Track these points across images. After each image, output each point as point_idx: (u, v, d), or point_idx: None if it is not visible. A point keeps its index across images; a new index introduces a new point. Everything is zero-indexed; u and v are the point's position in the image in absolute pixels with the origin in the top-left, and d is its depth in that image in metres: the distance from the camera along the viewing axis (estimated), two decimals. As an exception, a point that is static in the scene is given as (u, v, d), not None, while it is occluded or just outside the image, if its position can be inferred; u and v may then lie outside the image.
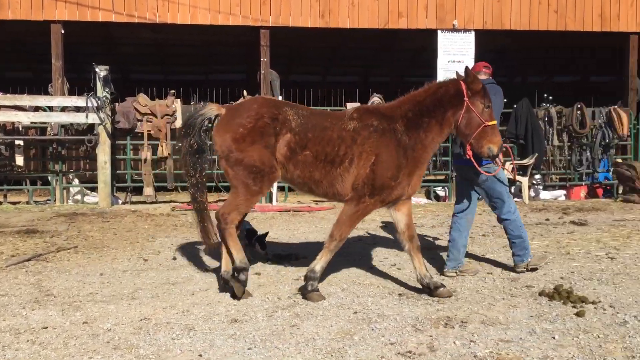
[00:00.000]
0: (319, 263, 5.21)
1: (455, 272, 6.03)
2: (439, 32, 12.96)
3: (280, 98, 12.45)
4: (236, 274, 5.09)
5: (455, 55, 13.04)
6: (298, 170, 5.15)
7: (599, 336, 4.16)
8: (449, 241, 6.19)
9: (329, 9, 12.66)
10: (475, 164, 5.44)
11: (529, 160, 12.52)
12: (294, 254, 6.87)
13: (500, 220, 6.14)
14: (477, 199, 6.31)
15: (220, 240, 5.34)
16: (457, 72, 5.47)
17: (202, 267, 6.39)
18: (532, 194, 13.00)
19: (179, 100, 12.24)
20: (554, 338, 4.14)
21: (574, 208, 11.12)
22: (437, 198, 13.24)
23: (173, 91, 12.24)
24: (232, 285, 5.11)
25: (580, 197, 13.03)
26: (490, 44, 14.88)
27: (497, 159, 5.50)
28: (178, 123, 11.94)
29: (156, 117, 11.88)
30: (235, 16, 12.47)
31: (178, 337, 4.22)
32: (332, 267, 6.33)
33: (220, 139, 5.13)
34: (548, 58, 20.22)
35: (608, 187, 13.43)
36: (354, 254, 7.08)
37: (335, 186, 5.18)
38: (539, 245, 7.38)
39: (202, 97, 13.62)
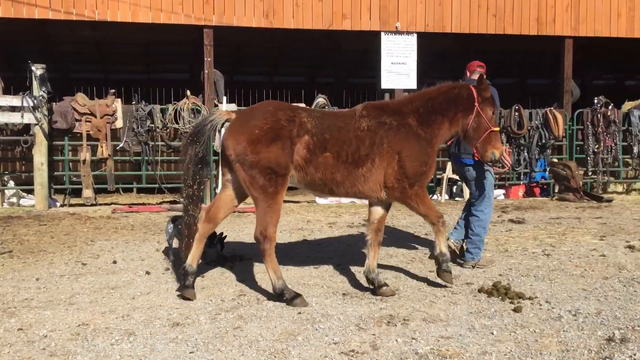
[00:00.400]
0: (442, 246, 5.42)
1: (457, 245, 6.47)
2: (382, 34, 13.11)
3: (224, 98, 12.34)
4: (282, 297, 5.01)
5: (398, 57, 13.22)
6: (319, 173, 5.13)
7: (535, 331, 4.29)
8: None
9: (273, 9, 12.61)
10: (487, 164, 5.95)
11: (470, 161, 12.82)
12: (238, 255, 6.81)
13: (471, 213, 6.47)
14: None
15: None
16: (464, 79, 6.21)
17: (144, 270, 6.26)
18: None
19: (119, 99, 11.97)
20: (492, 333, 4.24)
21: (512, 207, 11.45)
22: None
23: (113, 90, 11.97)
24: (292, 305, 4.93)
25: (519, 196, 13.43)
26: (433, 46, 15.15)
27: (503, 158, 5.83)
28: (119, 123, 11.69)
29: (95, 117, 11.58)
30: (177, 15, 12.27)
31: (117, 343, 4.12)
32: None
33: (234, 142, 5.00)
34: (488, 60, 20.73)
35: (545, 186, 13.88)
36: (299, 254, 7.08)
37: (357, 186, 5.25)
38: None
39: (144, 97, 13.37)
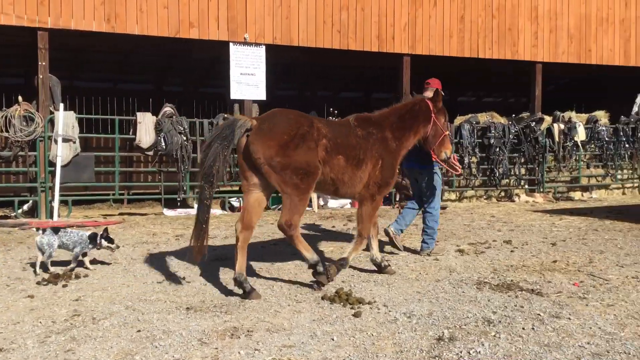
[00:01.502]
0: (351, 255, 6.20)
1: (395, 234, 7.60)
2: (231, 44, 13.07)
3: (61, 105, 11.57)
4: (314, 269, 5.70)
5: (247, 68, 13.26)
6: (333, 173, 5.78)
7: (372, 334, 4.46)
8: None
9: (116, 13, 12.06)
10: (442, 164, 6.99)
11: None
12: (73, 273, 6.40)
13: (424, 210, 7.65)
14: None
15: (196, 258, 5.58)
16: (416, 92, 7.38)
17: (-37, 293, 5.67)
18: (321, 202, 13.66)
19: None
20: (333, 339, 4.35)
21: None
22: (232, 209, 13.31)
23: None
24: (316, 279, 5.75)
25: (364, 204, 13.97)
26: (282, 58, 15.39)
27: (451, 161, 7.00)
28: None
29: None
30: (8, 15, 11.30)
31: None
32: (115, 285, 6.04)
33: (263, 147, 5.41)
34: (335, 75, 21.49)
35: (387, 195, 14.55)
36: (142, 268, 6.81)
37: (355, 186, 5.99)
38: (324, 251, 7.76)
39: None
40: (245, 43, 13.17)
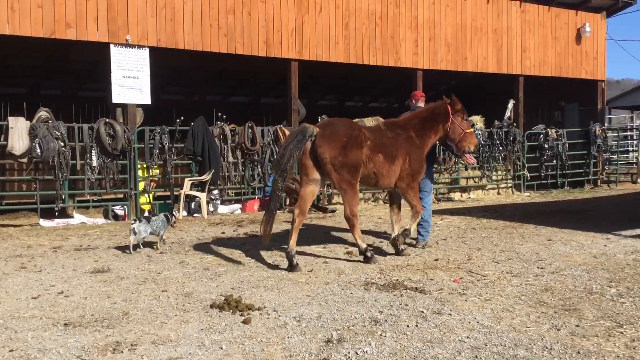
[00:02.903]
0: (413, 226, 7.69)
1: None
2: (112, 46, 12.53)
3: None
4: (364, 255, 7.19)
5: (130, 71, 12.77)
6: (375, 168, 7.15)
7: (262, 340, 4.43)
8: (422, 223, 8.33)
9: (-17, 12, 11.23)
10: (462, 157, 8.32)
11: (206, 176, 12.96)
12: (-64, 292, 5.86)
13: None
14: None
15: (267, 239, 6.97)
16: (444, 97, 7.95)
17: None
18: (211, 208, 13.44)
19: None
20: (221, 348, 4.27)
21: (247, 220, 11.81)
22: (116, 217, 12.76)
23: None
24: (370, 262, 7.07)
25: (254, 209, 13.93)
26: (168, 62, 15.00)
27: (467, 155, 8.15)
28: None
29: None
30: None
31: None
32: (-15, 303, 5.60)
33: (329, 147, 6.81)
34: (223, 79, 21.26)
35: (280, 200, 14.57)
36: (15, 284, 6.36)
37: (390, 178, 7.33)
38: (213, 259, 7.64)
39: None
40: (127, 45, 12.69)
